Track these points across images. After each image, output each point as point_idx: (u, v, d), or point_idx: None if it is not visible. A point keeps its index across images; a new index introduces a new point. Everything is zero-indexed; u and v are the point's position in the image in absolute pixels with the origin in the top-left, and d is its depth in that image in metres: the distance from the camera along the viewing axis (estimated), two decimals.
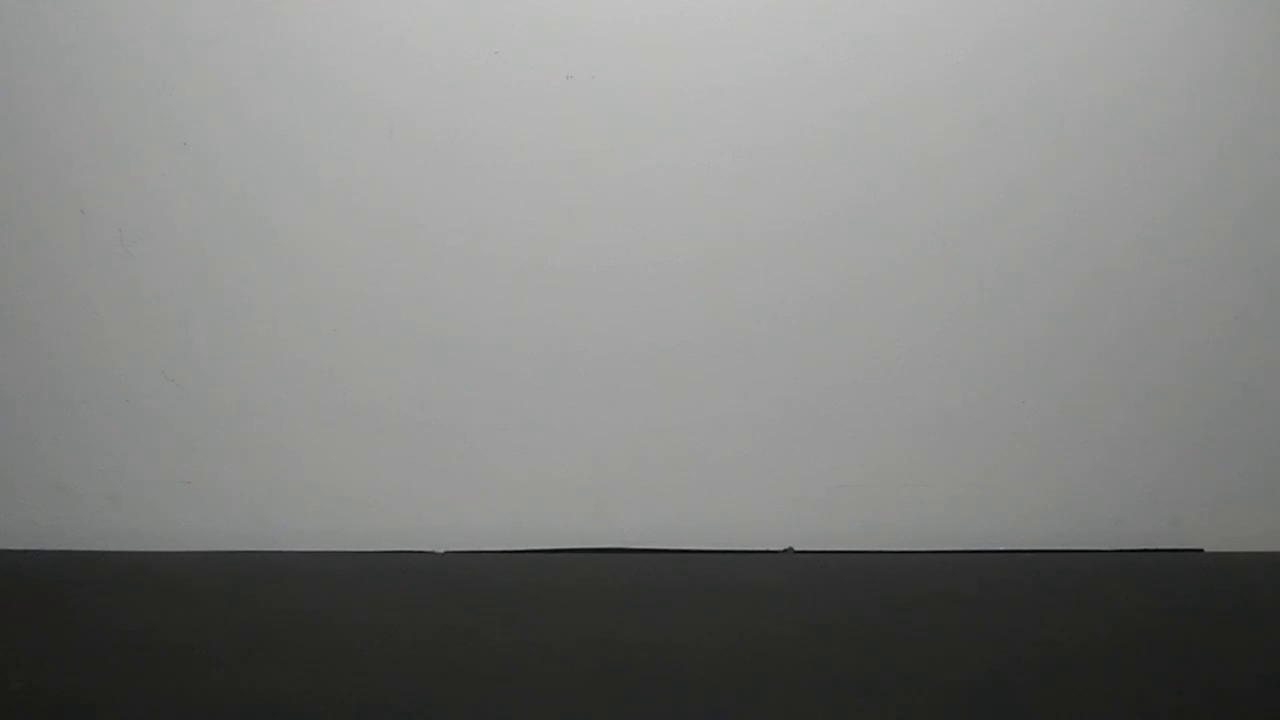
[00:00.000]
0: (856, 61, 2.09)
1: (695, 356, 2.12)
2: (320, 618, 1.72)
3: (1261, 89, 2.11)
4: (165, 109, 2.07)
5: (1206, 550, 2.13)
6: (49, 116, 2.07)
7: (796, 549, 2.12)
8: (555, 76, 2.08)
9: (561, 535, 2.11)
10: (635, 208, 2.10)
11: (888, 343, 2.12)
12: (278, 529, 2.10)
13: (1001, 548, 2.12)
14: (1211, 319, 2.13)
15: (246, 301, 2.10)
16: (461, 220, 2.10)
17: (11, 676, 1.43)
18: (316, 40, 2.07)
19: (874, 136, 2.10)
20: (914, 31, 2.09)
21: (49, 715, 1.32)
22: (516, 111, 2.08)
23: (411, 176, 2.09)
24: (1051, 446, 2.13)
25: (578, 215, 2.10)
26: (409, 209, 2.09)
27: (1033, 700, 1.36)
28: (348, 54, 2.07)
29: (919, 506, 2.12)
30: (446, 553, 2.10)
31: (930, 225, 2.11)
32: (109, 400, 2.09)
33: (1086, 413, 2.13)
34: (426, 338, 2.10)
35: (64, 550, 2.07)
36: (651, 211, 2.10)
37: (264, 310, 2.10)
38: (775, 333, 2.12)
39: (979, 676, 1.45)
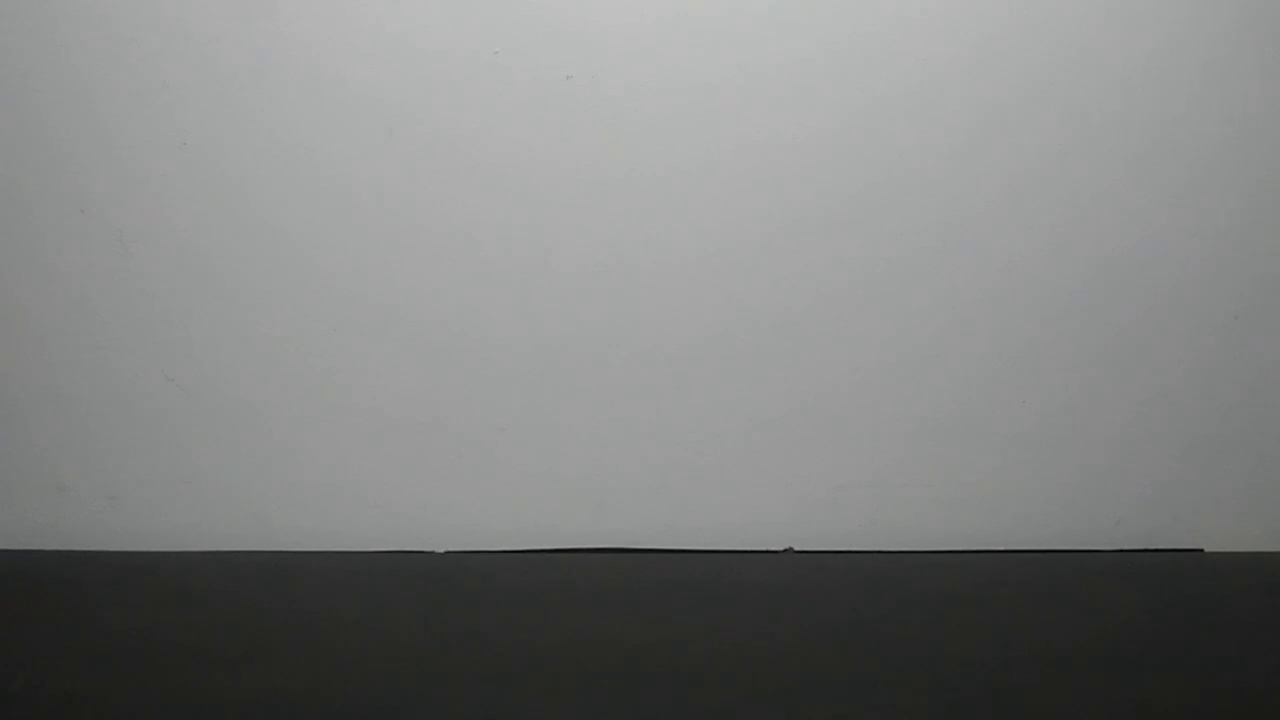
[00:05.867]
0: (856, 61, 2.09)
1: (695, 356, 2.12)
2: (320, 618, 1.72)
3: (1262, 90, 2.11)
4: (165, 109, 2.07)
5: (1206, 550, 2.13)
6: (49, 116, 2.07)
7: (796, 549, 2.12)
8: (555, 76, 2.08)
9: (561, 535, 2.11)
10: (635, 208, 2.10)
11: (888, 343, 2.12)
12: (278, 529, 2.10)
13: (1001, 548, 2.12)
14: (1211, 319, 2.13)
15: (246, 301, 2.10)
16: (461, 220, 2.10)
17: (11, 676, 1.43)
18: (316, 40, 2.07)
19: (874, 136, 2.10)
20: (914, 31, 2.09)
21: (49, 715, 1.32)
22: (516, 111, 2.08)
23: (411, 176, 2.09)
24: (1051, 446, 2.13)
25: (578, 215, 2.10)
26: (409, 209, 2.09)
27: (1033, 700, 1.36)
28: (348, 54, 2.07)
29: (919, 506, 2.13)
30: (446, 553, 2.10)
31: (931, 225, 2.11)
32: (109, 400, 2.09)
33: (1086, 413, 2.13)
34: (426, 338, 2.11)
35: (64, 550, 2.07)
36: (651, 211, 2.10)
37: (264, 310, 2.10)
38: (775, 333, 2.12)
39: (979, 676, 1.45)
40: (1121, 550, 2.12)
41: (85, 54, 2.06)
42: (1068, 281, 2.12)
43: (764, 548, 2.12)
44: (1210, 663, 1.52)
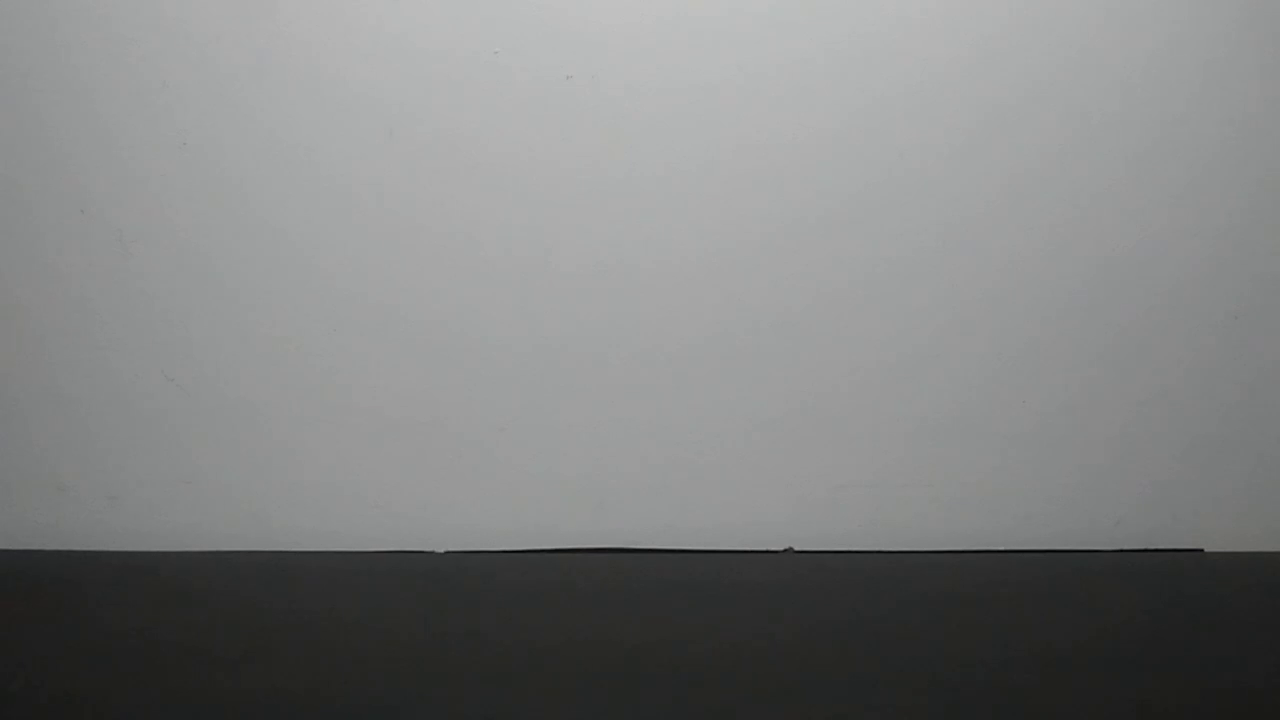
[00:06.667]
0: (856, 61, 2.09)
1: (695, 356, 2.12)
2: (320, 618, 1.72)
3: (1262, 90, 2.11)
4: (165, 109, 2.07)
5: (1206, 550, 2.13)
6: (49, 116, 2.07)
7: (796, 549, 2.12)
8: (555, 76, 2.08)
9: (561, 535, 2.11)
10: (635, 208, 2.10)
11: (888, 343, 2.12)
12: (278, 529, 2.10)
13: (1001, 548, 2.12)
14: (1211, 319, 2.13)
15: (246, 301, 2.10)
16: (461, 220, 2.10)
17: (11, 676, 1.43)
18: (316, 40, 2.07)
19: (874, 136, 2.10)
20: (914, 31, 2.09)
21: (49, 715, 1.32)
22: (516, 111, 2.08)
23: (411, 176, 2.09)
24: (1051, 446, 2.13)
25: (578, 215, 2.10)
26: (409, 209, 2.09)
27: (1033, 700, 1.36)
28: (348, 54, 2.07)
29: (919, 506, 2.13)
30: (446, 553, 2.10)
31: (931, 225, 2.11)
32: (109, 400, 2.09)
33: (1086, 413, 2.13)
34: (426, 338, 2.11)
35: (64, 550, 2.07)
36: (651, 211, 2.10)
37: (264, 310, 2.10)
38: (775, 333, 2.12)
39: (979, 676, 1.46)
40: (1121, 550, 2.12)
41: (85, 54, 2.06)
42: (1068, 281, 2.12)
43: (764, 548, 2.12)
44: (1210, 663, 1.52)
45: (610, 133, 2.09)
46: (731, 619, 1.73)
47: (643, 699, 1.37)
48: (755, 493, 2.13)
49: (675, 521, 2.12)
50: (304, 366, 2.10)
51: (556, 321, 2.11)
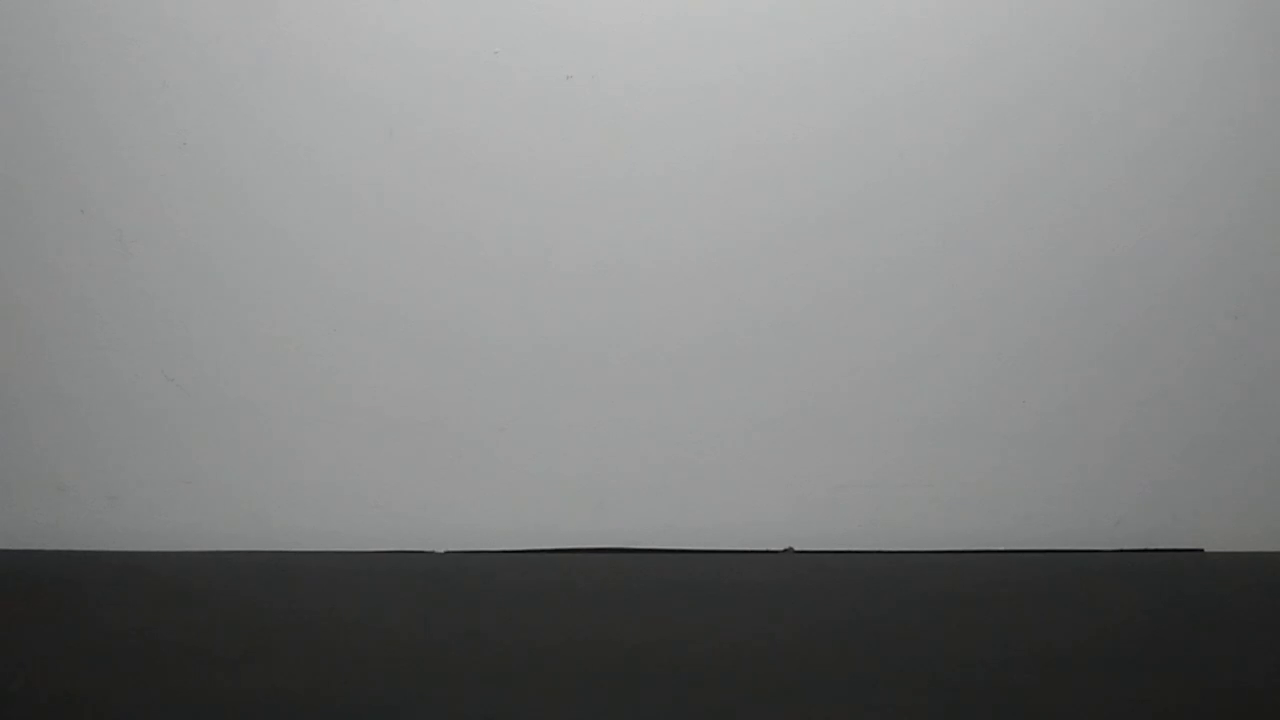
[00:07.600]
0: (856, 61, 2.09)
1: (695, 356, 2.12)
2: (320, 618, 1.72)
3: (1262, 90, 2.11)
4: (165, 109, 2.07)
5: (1206, 550, 2.13)
6: (49, 116, 2.07)
7: (796, 549, 2.12)
8: (555, 76, 2.08)
9: (561, 535, 2.11)
10: (635, 208, 2.10)
11: (888, 343, 2.12)
12: (278, 529, 2.10)
13: (1001, 548, 2.12)
14: (1211, 319, 2.13)
15: (246, 301, 2.10)
16: (461, 220, 2.10)
17: (12, 676, 1.43)
18: (316, 40, 2.07)
19: (874, 136, 2.10)
20: (914, 31, 2.09)
21: (49, 715, 1.33)
22: (516, 111, 2.08)
23: (411, 176, 2.09)
24: (1051, 446, 2.13)
25: (578, 215, 2.10)
26: (409, 209, 2.09)
27: (1033, 700, 1.37)
28: (348, 54, 2.07)
29: (919, 506, 2.13)
30: (446, 553, 2.10)
31: (931, 225, 2.11)
32: (109, 400, 2.09)
33: (1086, 413, 2.13)
34: (426, 338, 2.11)
35: (64, 550, 2.07)
36: (651, 211, 2.10)
37: (264, 310, 2.10)
38: (775, 333, 2.12)
39: (979, 676, 1.46)
40: (1121, 550, 2.12)
41: (85, 54, 2.06)
42: (1068, 281, 2.12)
43: (764, 548, 2.12)
44: (1210, 663, 1.52)
45: (610, 133, 2.09)
46: (731, 619, 1.73)
47: (643, 699, 1.37)
48: (755, 493, 2.13)
49: (675, 521, 2.12)
50: (304, 366, 2.10)
51: (556, 321, 2.11)
